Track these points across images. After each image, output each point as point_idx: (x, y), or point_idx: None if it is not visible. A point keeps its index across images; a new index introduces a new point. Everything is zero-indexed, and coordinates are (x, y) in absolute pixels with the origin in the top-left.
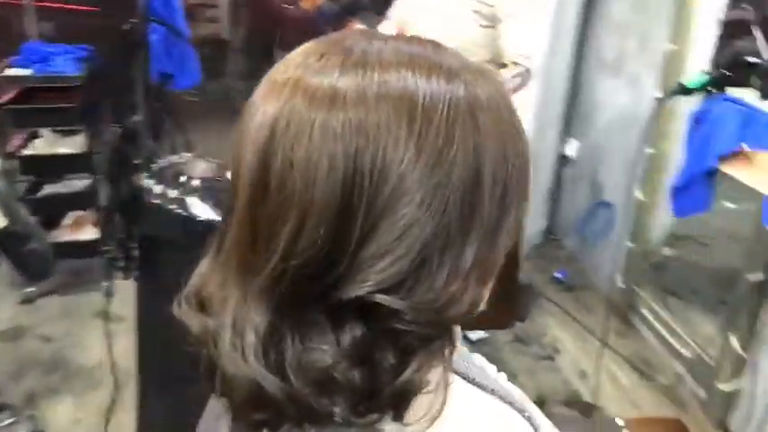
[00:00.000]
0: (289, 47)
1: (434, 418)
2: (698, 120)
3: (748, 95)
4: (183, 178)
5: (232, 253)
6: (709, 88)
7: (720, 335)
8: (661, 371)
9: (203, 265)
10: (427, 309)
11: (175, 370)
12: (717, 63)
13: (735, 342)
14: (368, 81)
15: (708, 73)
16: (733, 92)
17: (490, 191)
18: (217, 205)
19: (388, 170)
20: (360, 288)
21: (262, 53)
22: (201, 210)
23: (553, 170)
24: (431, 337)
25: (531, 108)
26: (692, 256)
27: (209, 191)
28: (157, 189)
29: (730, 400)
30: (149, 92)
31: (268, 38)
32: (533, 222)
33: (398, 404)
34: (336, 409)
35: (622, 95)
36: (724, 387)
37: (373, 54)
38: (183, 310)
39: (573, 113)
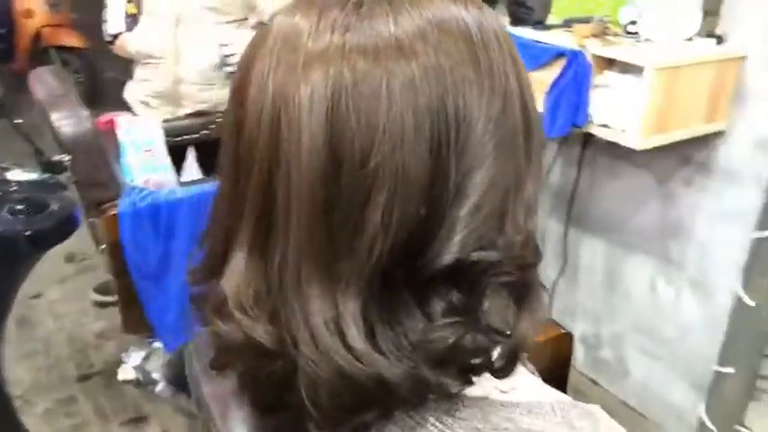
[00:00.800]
0: None
1: (534, 371)
2: None
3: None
4: None
5: (301, 246)
6: None
7: None
8: None
9: (236, 270)
10: (516, 254)
11: None
12: None
13: None
14: (424, 22)
15: None
16: None
17: (535, 122)
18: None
19: (470, 118)
20: (454, 253)
21: None
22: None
23: None
24: (526, 284)
25: None
26: None
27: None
28: None
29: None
30: None
31: None
32: None
33: (512, 361)
34: (448, 381)
35: None
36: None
37: None
38: (243, 323)
39: None
